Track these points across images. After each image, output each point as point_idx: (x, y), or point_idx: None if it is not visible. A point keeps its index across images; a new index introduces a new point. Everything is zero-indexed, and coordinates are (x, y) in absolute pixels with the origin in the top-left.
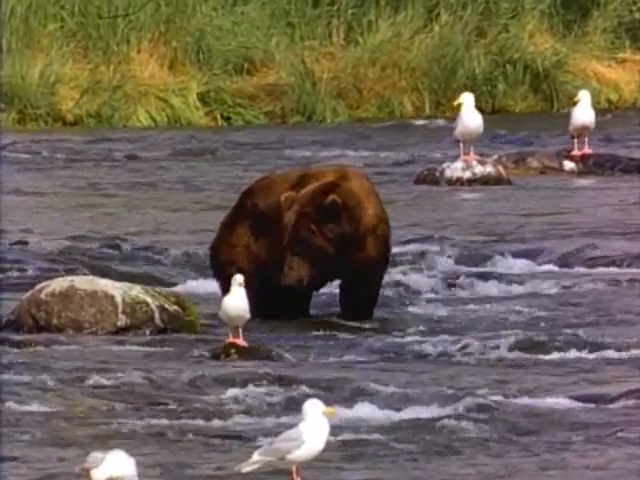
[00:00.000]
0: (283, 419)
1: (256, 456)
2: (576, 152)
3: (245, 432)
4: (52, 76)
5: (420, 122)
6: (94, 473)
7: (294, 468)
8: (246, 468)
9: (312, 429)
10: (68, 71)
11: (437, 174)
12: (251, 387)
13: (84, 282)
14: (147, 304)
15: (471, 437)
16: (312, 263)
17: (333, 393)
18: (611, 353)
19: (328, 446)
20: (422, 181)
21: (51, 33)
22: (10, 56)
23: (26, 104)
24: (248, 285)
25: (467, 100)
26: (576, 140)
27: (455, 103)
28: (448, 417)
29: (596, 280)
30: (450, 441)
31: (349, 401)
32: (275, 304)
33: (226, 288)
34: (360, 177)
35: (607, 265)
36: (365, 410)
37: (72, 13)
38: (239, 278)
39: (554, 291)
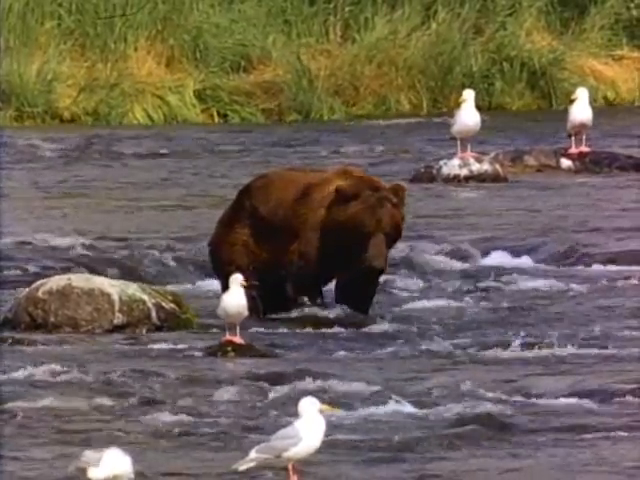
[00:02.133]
0: (280, 417)
1: (253, 453)
2: (573, 150)
3: (242, 429)
4: (49, 74)
5: (417, 119)
6: (91, 472)
7: (290, 466)
8: (243, 466)
9: (309, 427)
10: (65, 69)
11: (434, 171)
12: (248, 384)
13: (81, 280)
14: (144, 302)
15: (469, 435)
16: (387, 247)
17: (330, 391)
18: (611, 350)
19: (324, 444)
20: (419, 178)
21: (48, 31)
22: (7, 54)
23: (23, 102)
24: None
25: (469, 97)
26: (573, 138)
27: (460, 100)
28: (446, 415)
29: (593, 277)
30: (448, 439)
31: (346, 399)
32: (277, 302)
33: (226, 286)
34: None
35: (604, 262)
36: (362, 408)
37: (69, 11)
38: (238, 277)
39: (551, 289)
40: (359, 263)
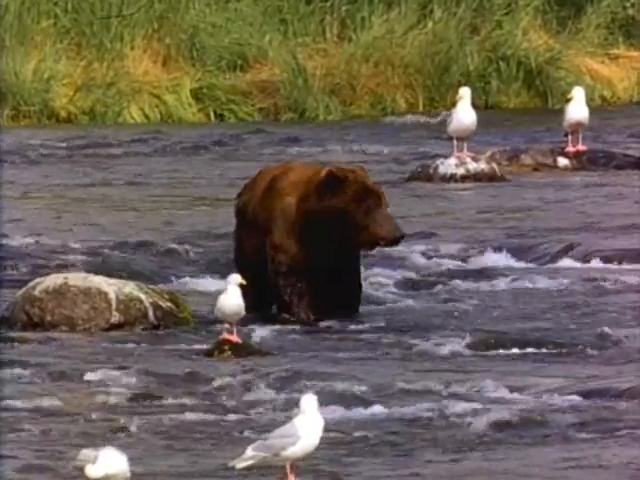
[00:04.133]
0: (277, 415)
1: (250, 451)
2: (570, 148)
3: (238, 428)
4: (46, 73)
5: (413, 119)
6: (87, 471)
7: (288, 465)
8: (240, 464)
9: (307, 425)
10: (62, 68)
11: (431, 171)
12: (245, 383)
13: (78, 279)
14: (141, 301)
15: (467, 436)
16: None
17: (326, 390)
18: (607, 350)
19: (322, 442)
20: (415, 178)
21: (45, 30)
22: (4, 53)
23: (20, 101)
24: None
25: (465, 95)
26: (570, 136)
27: (456, 97)
28: (443, 415)
29: (589, 276)
30: (445, 439)
31: (342, 398)
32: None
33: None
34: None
35: (601, 261)
36: (359, 406)
37: (65, 10)
38: (235, 277)
39: (548, 287)
40: (374, 239)
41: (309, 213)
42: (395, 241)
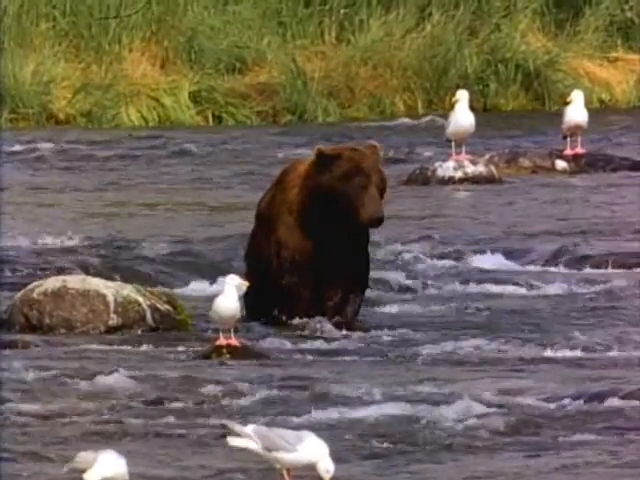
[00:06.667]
0: (275, 418)
1: (250, 430)
2: (568, 151)
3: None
4: (44, 75)
5: (412, 121)
6: (85, 474)
7: (285, 469)
8: (235, 428)
9: (312, 445)
10: (60, 70)
11: (429, 173)
12: (243, 387)
13: (76, 281)
14: (139, 303)
15: (467, 437)
16: None
17: (325, 393)
18: (605, 353)
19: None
20: (414, 180)
21: (43, 32)
22: (2, 55)
23: (18, 103)
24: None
25: (462, 98)
26: (568, 139)
27: (453, 100)
28: (443, 418)
29: (586, 279)
30: (445, 442)
31: (341, 400)
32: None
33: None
34: None
35: (598, 264)
36: (359, 410)
37: (64, 13)
38: (233, 278)
39: (545, 290)
40: (358, 219)
41: (311, 191)
42: (371, 223)
